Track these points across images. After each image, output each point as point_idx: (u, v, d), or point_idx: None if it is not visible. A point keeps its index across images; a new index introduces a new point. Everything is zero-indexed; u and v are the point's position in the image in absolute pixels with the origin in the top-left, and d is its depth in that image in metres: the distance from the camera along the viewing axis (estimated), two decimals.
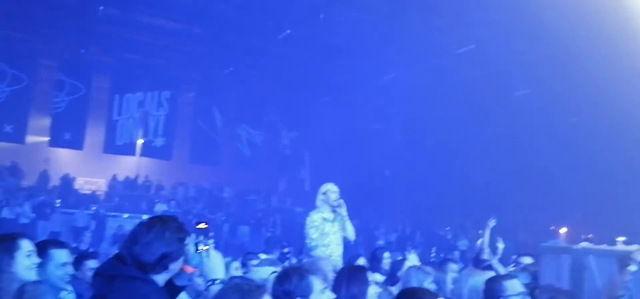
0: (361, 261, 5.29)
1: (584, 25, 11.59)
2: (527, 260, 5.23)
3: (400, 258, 5.87)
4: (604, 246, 3.50)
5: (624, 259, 2.88)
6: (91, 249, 9.71)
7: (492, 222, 6.67)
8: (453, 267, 5.65)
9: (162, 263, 2.30)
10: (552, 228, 17.64)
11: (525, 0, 11.17)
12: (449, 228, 20.08)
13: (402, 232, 19.71)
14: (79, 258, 4.39)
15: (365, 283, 3.17)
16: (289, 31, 14.77)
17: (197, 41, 17.77)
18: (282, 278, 2.68)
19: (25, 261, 2.88)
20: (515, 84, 16.11)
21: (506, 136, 18.57)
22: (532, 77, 15.23)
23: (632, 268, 2.83)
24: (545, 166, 17.84)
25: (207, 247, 2.58)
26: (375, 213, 21.49)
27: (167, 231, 2.34)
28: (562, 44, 13.01)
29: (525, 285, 3.41)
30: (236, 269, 5.13)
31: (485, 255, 6.32)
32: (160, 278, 2.33)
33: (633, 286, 2.80)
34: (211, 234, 2.66)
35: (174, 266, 2.37)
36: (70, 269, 3.40)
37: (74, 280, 3.82)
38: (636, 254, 2.86)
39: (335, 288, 3.07)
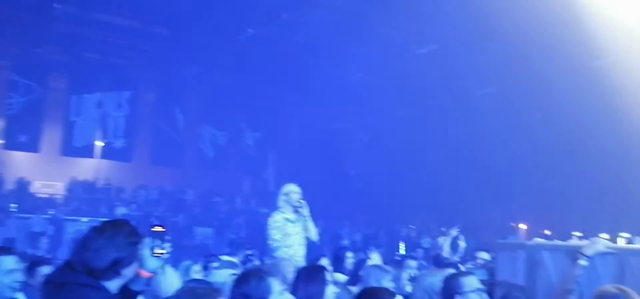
0: (324, 262, 5.29)
1: (539, 26, 11.89)
2: (484, 255, 5.34)
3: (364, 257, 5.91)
4: (557, 242, 3.58)
5: (576, 254, 2.94)
6: (48, 255, 9.45)
7: (454, 231, 6.76)
8: (411, 264, 5.74)
9: (113, 269, 2.24)
10: (512, 224, 18.04)
11: (485, 1, 11.38)
12: (413, 226, 20.29)
13: (366, 232, 19.81)
14: (32, 265, 4.27)
15: (324, 283, 3.16)
16: (251, 31, 14.68)
17: (158, 40, 17.49)
18: (241, 280, 2.66)
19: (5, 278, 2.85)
20: (477, 83, 16.38)
21: (468, 134, 18.88)
22: (493, 76, 15.52)
23: (583, 262, 2.90)
24: (506, 164, 18.22)
25: (164, 251, 2.52)
26: (339, 213, 21.57)
27: (118, 235, 2.28)
28: (521, 44, 13.31)
29: (483, 281, 3.46)
30: (197, 272, 5.07)
31: (445, 253, 6.40)
32: (113, 284, 2.27)
33: (583, 280, 2.88)
34: (168, 237, 2.59)
35: (127, 272, 2.31)
36: (19, 276, 3.30)
37: (27, 288, 3.71)
38: (586, 248, 2.94)
39: (293, 288, 3.06)
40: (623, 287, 2.46)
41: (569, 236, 8.39)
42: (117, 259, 2.25)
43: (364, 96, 18.92)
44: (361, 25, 14.22)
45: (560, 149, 16.15)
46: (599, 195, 15.28)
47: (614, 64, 12.18)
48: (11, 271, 3.21)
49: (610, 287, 2.47)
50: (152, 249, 2.50)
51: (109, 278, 2.25)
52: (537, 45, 12.93)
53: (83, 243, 2.29)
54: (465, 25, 13.09)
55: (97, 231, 2.31)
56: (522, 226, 17.93)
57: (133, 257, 2.33)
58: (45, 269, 4.17)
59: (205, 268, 5.29)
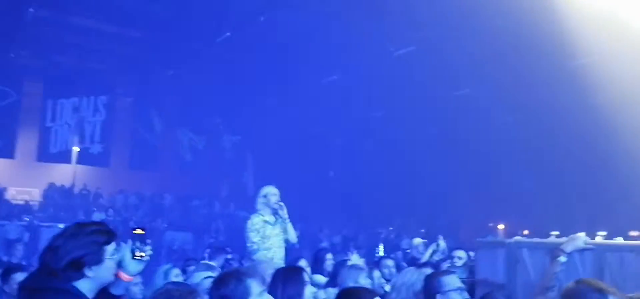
0: (302, 263, 5.28)
1: (520, 23, 12.03)
2: (461, 254, 5.40)
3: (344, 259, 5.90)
4: (536, 239, 3.61)
5: (555, 251, 2.97)
6: (24, 262, 9.29)
7: (441, 242, 6.81)
8: (388, 263, 5.77)
9: (73, 268, 2.17)
10: (491, 224, 18.21)
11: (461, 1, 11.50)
12: (392, 227, 20.37)
13: (346, 233, 19.83)
14: (7, 271, 4.20)
15: (302, 283, 3.16)
16: (228, 34, 14.62)
17: (134, 44, 17.33)
18: (219, 282, 2.63)
19: None
20: (455, 83, 16.53)
21: (447, 134, 19.05)
22: (472, 76, 15.67)
23: (562, 258, 2.93)
24: (485, 164, 18.41)
25: (144, 254, 2.47)
26: (319, 215, 21.57)
27: (80, 234, 2.22)
28: (501, 42, 13.47)
29: (463, 280, 3.48)
30: (176, 276, 5.04)
31: (425, 257, 6.44)
32: (84, 286, 2.21)
33: (563, 276, 2.90)
34: (148, 240, 2.54)
35: (93, 272, 2.23)
36: None
37: (1, 294, 3.67)
38: (566, 245, 2.96)
39: (271, 289, 3.04)
40: (600, 283, 2.49)
41: (547, 236, 8.48)
42: (75, 257, 2.18)
43: (343, 97, 18.97)
44: (338, 28, 14.26)
45: (537, 148, 16.37)
46: (575, 194, 15.52)
47: (592, 63, 12.38)
48: None
49: (586, 281, 2.49)
50: (133, 252, 2.45)
51: (71, 279, 2.19)
52: (521, 42, 13.08)
53: (47, 245, 2.25)
54: (445, 24, 13.20)
55: (62, 231, 2.26)
56: (500, 226, 18.11)
57: (97, 256, 2.25)
58: (19, 276, 4.12)
59: (184, 272, 5.27)
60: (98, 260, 2.24)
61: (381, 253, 16.41)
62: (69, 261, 2.16)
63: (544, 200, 16.51)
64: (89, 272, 2.21)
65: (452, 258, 5.46)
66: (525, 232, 13.13)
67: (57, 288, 2.15)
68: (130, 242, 2.47)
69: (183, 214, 19.42)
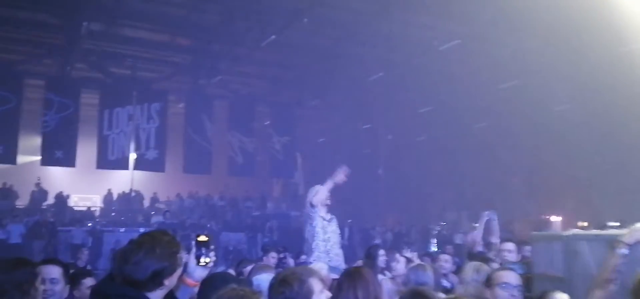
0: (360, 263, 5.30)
1: (564, 16, 11.72)
2: (509, 246, 5.32)
3: (397, 255, 5.90)
4: (595, 231, 3.53)
5: (615, 243, 2.90)
6: (89, 266, 9.66)
7: (486, 216, 6.67)
8: (445, 258, 5.75)
9: (155, 280, 2.28)
10: (546, 217, 17.75)
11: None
12: (444, 223, 20.17)
13: (397, 230, 19.76)
14: (76, 276, 4.35)
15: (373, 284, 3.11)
16: (273, 37, 14.77)
17: (184, 52, 17.77)
18: (282, 283, 2.61)
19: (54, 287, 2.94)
20: (500, 77, 16.22)
21: (494, 128, 18.69)
22: (516, 69, 15.33)
23: (623, 250, 2.85)
24: (537, 157, 17.97)
25: (208, 260, 2.52)
26: (370, 212, 21.56)
27: (157, 247, 2.31)
28: (546, 35, 13.15)
29: (521, 275, 3.46)
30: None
31: (479, 247, 6.38)
32: (156, 295, 2.31)
33: (625, 269, 2.83)
34: (213, 247, 2.58)
35: (169, 281, 2.34)
36: (65, 287, 3.40)
37: (71, 298, 3.81)
38: (627, 237, 2.89)
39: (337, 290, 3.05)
40: None
41: (604, 227, 8.21)
42: (157, 270, 2.27)
43: (387, 94, 18.90)
44: (381, 25, 14.21)
45: (592, 136, 15.84)
46: (635, 182, 14.92)
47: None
48: (58, 282, 3.32)
49: None
50: (198, 258, 2.50)
51: (151, 289, 2.28)
52: (564, 35, 12.75)
53: (123, 256, 2.32)
54: (487, 20, 12.97)
55: (136, 244, 2.32)
56: (555, 218, 17.62)
57: (173, 266, 2.33)
58: (89, 281, 4.26)
59: (240, 273, 5.29)
60: (173, 270, 2.35)
61: (435, 248, 16.35)
62: (151, 274, 2.27)
63: (602, 190, 15.95)
64: (166, 282, 2.32)
65: (501, 250, 5.38)
66: (584, 223, 12.75)
67: (129, 295, 2.25)
68: (194, 249, 2.52)
69: (236, 216, 19.77)
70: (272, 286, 2.66)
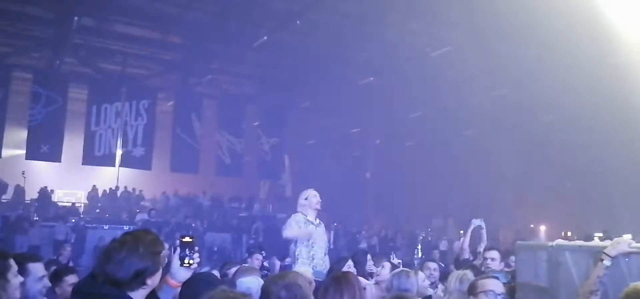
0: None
1: (555, 25, 11.80)
2: (493, 254, 5.34)
3: (384, 260, 5.90)
4: (579, 242, 3.55)
5: (599, 255, 2.92)
6: (72, 263, 9.55)
7: (475, 222, 6.69)
8: (431, 265, 5.76)
9: (137, 279, 2.26)
10: (532, 226, 17.89)
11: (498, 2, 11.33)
12: (430, 229, 20.24)
13: (383, 235, 19.79)
14: (58, 273, 4.30)
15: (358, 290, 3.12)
16: (265, 38, 14.76)
17: (175, 50, 17.70)
18: (273, 286, 2.57)
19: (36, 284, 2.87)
20: (490, 85, 16.31)
21: (482, 136, 18.81)
22: (507, 78, 15.42)
23: (606, 262, 2.88)
24: (523, 165, 18.10)
25: (192, 261, 2.49)
26: (356, 216, 21.57)
27: (140, 246, 2.29)
28: (535, 44, 13.24)
29: (505, 284, 3.46)
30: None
31: (466, 254, 6.41)
32: (139, 295, 2.28)
33: (607, 280, 2.86)
34: (197, 248, 2.55)
35: (152, 281, 2.32)
36: (47, 283, 3.36)
37: (52, 295, 3.76)
38: (610, 249, 2.91)
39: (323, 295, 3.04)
40: None
41: (591, 238, 8.27)
42: (140, 269, 2.25)
43: (378, 99, 18.93)
44: (374, 29, 14.25)
45: (578, 148, 15.99)
46: (620, 195, 15.08)
47: (630, 62, 12.03)
48: (40, 278, 3.27)
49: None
50: (182, 259, 2.47)
51: (134, 289, 2.26)
52: (552, 45, 12.84)
53: (105, 255, 2.30)
54: (478, 26, 13.04)
55: (119, 243, 2.30)
56: (542, 228, 17.76)
57: (156, 266, 2.31)
58: (71, 278, 4.21)
59: (224, 275, 5.24)
60: (156, 270, 2.33)
61: (420, 255, 16.39)
62: (134, 273, 2.24)
63: (587, 202, 16.11)
64: (149, 281, 2.29)
65: (485, 258, 5.40)
66: (568, 233, 12.86)
67: (111, 295, 2.23)
68: (179, 249, 2.49)
69: (222, 216, 19.67)
70: (264, 289, 2.62)
